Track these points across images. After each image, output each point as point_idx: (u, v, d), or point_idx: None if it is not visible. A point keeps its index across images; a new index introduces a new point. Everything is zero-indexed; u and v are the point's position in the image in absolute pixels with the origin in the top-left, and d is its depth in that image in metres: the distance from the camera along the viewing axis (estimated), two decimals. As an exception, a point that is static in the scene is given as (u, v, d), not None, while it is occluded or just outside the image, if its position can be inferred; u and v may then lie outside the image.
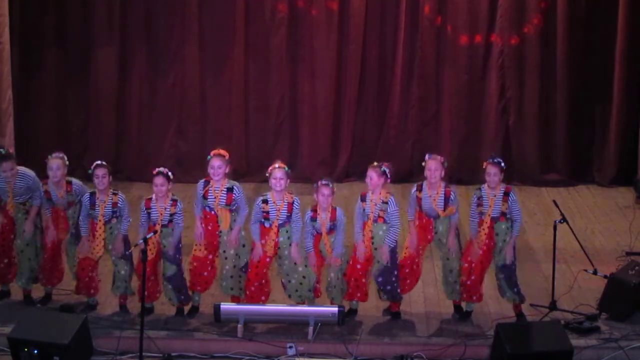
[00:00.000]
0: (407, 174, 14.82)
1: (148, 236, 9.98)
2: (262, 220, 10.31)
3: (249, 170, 15.14)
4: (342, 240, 10.33)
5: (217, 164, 10.32)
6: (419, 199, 10.40)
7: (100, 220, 10.33)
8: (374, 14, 15.06)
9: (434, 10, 15.01)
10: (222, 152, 10.42)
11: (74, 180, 10.67)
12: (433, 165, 10.28)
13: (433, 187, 10.32)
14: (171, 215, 10.32)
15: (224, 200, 10.34)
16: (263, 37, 15.16)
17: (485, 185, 10.38)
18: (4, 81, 13.90)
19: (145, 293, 9.85)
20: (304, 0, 15.05)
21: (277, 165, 10.32)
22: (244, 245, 10.46)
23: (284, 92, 15.28)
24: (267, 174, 10.35)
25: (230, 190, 10.36)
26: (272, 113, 15.32)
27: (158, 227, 10.22)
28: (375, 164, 10.37)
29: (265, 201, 10.30)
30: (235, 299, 10.48)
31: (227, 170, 10.40)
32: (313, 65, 15.22)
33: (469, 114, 15.23)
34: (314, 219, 10.27)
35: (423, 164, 10.39)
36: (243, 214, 10.42)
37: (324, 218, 10.24)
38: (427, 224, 10.48)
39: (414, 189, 10.48)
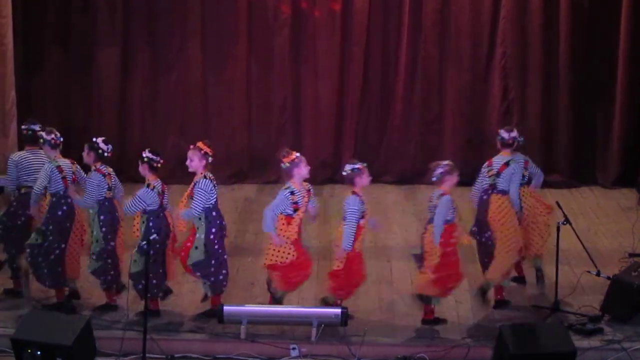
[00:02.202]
0: (410, 175, 14.82)
1: (151, 238, 9.94)
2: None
3: (251, 170, 15.14)
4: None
5: (189, 156, 10.26)
6: None
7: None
8: (377, 14, 15.05)
9: (437, 11, 15.00)
10: (200, 144, 10.29)
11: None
12: None
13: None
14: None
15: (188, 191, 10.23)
16: (266, 38, 15.16)
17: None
18: (7, 82, 13.88)
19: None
20: (307, 1, 15.05)
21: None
22: (196, 248, 10.24)
23: (287, 93, 15.28)
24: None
25: (196, 184, 10.21)
26: (274, 114, 15.32)
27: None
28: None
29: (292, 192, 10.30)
30: (215, 299, 10.37)
31: (202, 163, 10.21)
32: (316, 66, 15.21)
33: (472, 115, 15.22)
34: (362, 201, 10.14)
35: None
36: (190, 211, 10.13)
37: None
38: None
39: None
